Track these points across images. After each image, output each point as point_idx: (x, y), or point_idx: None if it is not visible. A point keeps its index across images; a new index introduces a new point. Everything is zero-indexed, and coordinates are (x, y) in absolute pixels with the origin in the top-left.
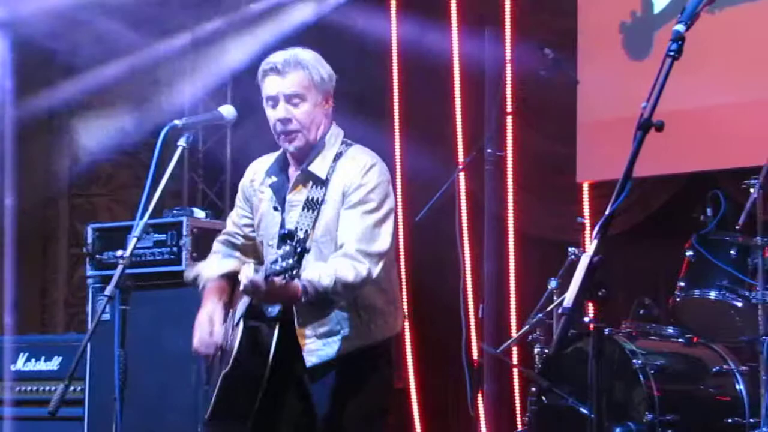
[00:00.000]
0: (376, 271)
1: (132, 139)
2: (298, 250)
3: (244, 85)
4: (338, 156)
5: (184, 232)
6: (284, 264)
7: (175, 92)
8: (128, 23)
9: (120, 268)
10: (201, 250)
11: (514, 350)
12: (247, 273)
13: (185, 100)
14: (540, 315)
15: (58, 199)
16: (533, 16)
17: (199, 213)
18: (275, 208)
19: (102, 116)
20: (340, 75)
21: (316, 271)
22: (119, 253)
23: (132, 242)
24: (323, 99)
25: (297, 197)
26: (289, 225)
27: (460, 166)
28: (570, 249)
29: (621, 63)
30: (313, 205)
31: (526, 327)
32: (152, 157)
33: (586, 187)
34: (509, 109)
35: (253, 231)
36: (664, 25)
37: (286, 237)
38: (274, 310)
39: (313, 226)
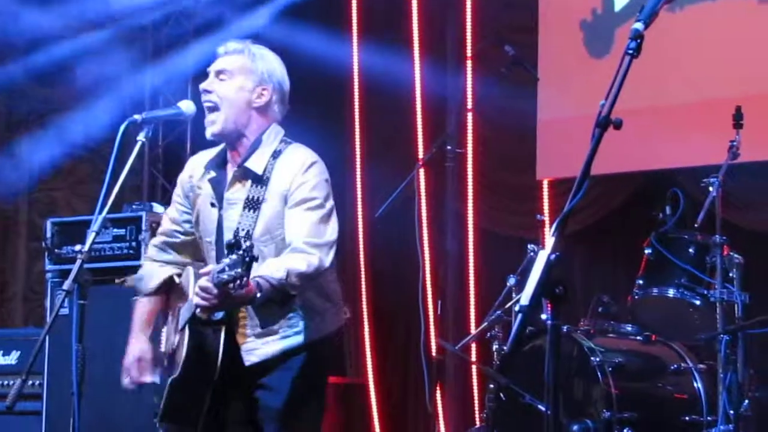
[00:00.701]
0: (328, 259)
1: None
2: (247, 259)
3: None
4: (277, 153)
5: (143, 227)
6: (232, 273)
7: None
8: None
9: (78, 262)
10: None
11: (473, 347)
12: (201, 284)
13: (146, 95)
14: (499, 312)
15: (18, 192)
16: (494, 13)
17: (159, 208)
18: (212, 205)
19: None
20: (299, 71)
21: (267, 267)
22: (78, 247)
23: (91, 237)
24: (254, 88)
25: (235, 195)
26: (229, 223)
27: (420, 163)
28: (529, 246)
29: (581, 60)
30: (253, 205)
31: (485, 324)
32: (112, 152)
33: (545, 184)
34: (470, 105)
35: (192, 227)
36: (625, 23)
37: (232, 246)
38: (218, 314)
39: (254, 226)
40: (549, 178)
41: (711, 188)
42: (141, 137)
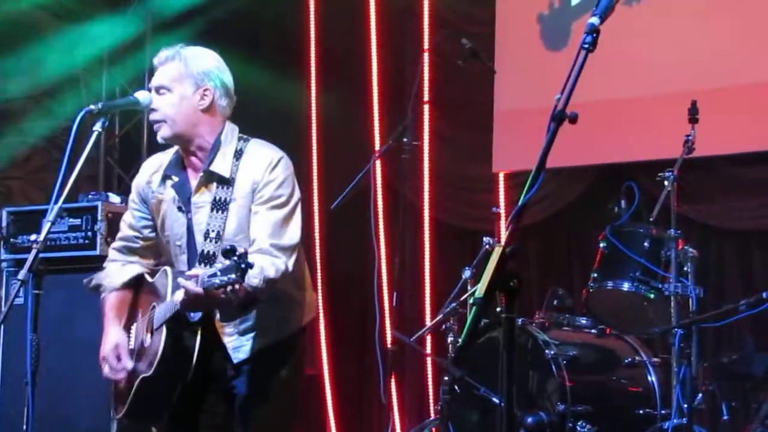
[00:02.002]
0: (291, 263)
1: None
2: (242, 266)
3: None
4: (239, 153)
5: (99, 217)
6: (225, 278)
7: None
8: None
9: (34, 252)
10: (115, 235)
11: (428, 339)
12: (189, 286)
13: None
14: (454, 304)
15: None
16: (451, 5)
17: (115, 198)
18: (179, 209)
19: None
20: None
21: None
22: (33, 237)
23: (46, 226)
24: (195, 92)
25: (202, 198)
26: (198, 226)
27: (376, 155)
28: (485, 238)
29: (538, 54)
30: (221, 206)
31: (440, 316)
32: (68, 141)
33: (501, 176)
34: (426, 98)
35: (152, 231)
36: (582, 16)
37: (228, 252)
38: (196, 315)
39: (224, 226)
40: (505, 170)
41: (666, 182)
42: (97, 127)
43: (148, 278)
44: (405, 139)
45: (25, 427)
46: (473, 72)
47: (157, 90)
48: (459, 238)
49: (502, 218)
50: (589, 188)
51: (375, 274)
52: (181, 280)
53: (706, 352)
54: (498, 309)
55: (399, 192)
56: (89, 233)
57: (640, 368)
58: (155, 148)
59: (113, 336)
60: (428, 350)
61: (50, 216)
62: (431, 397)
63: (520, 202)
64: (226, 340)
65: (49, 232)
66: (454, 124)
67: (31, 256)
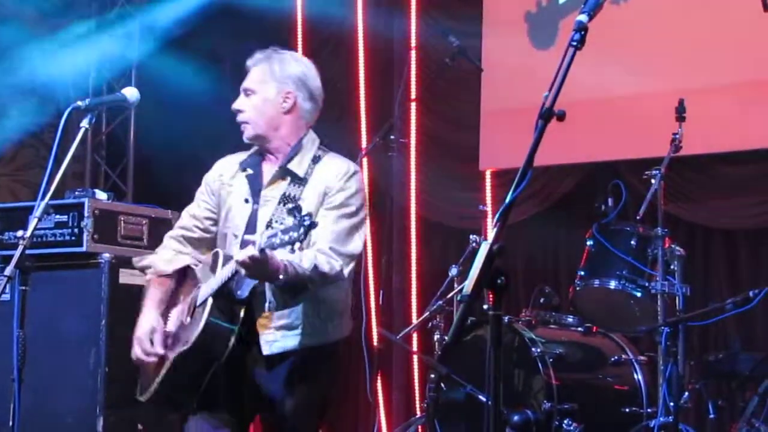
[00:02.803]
0: (347, 270)
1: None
2: (306, 223)
3: (148, 68)
4: (316, 159)
5: (86, 214)
6: (286, 237)
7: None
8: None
9: (20, 248)
10: (102, 232)
11: (415, 337)
12: (247, 251)
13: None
14: (440, 302)
15: None
16: (439, 3)
17: (101, 194)
18: (246, 201)
19: None
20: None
21: (297, 256)
22: (20, 233)
23: (33, 223)
24: (276, 95)
25: (273, 193)
26: (263, 218)
27: (363, 153)
28: (471, 236)
29: (526, 52)
30: (289, 201)
31: (426, 314)
32: (55, 138)
33: (488, 174)
34: (413, 95)
35: (214, 225)
36: (569, 14)
37: (293, 210)
38: (244, 292)
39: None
40: (492, 168)
41: (653, 180)
42: (84, 124)
43: (194, 270)
44: (392, 137)
45: (11, 423)
46: (460, 70)
47: (245, 92)
48: (446, 236)
49: (489, 216)
50: (576, 186)
51: (361, 271)
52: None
53: (692, 350)
54: (485, 307)
55: (386, 190)
56: (76, 230)
57: (627, 366)
58: (142, 145)
59: (150, 319)
60: (415, 348)
61: (37, 212)
62: (417, 395)
63: (507, 200)
64: (260, 331)
65: (35, 229)
66: (441, 122)
67: (17, 253)
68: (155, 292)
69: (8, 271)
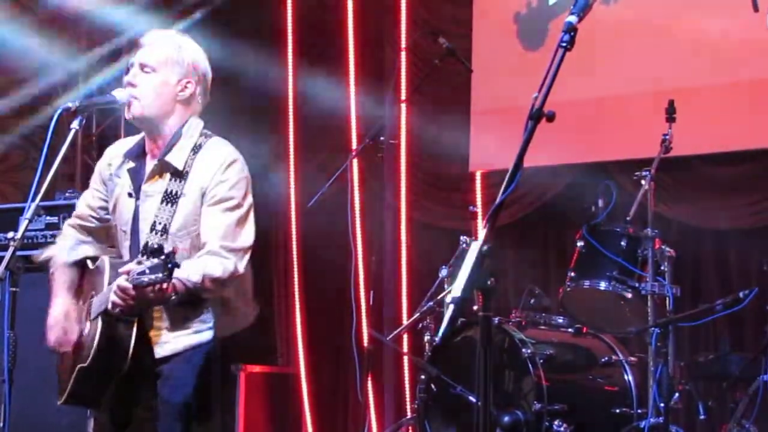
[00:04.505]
0: (242, 265)
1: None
2: (169, 266)
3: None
4: (197, 148)
5: None
6: (153, 277)
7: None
8: None
9: (11, 249)
10: None
11: (405, 338)
12: (120, 282)
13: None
14: (430, 303)
15: None
16: (429, 4)
17: None
18: (130, 195)
19: None
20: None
21: (185, 270)
22: (11, 234)
23: (23, 224)
24: (177, 82)
25: (153, 188)
26: (145, 215)
27: (353, 154)
28: (461, 237)
29: (515, 53)
30: (171, 199)
31: (417, 315)
32: (45, 139)
33: (478, 175)
34: (403, 97)
35: (108, 214)
36: (559, 15)
37: (155, 251)
38: (133, 313)
39: (171, 221)
40: (482, 169)
41: (643, 181)
42: (74, 125)
43: (90, 264)
44: (382, 138)
45: (1, 424)
46: (450, 71)
47: (142, 67)
48: (436, 237)
49: (479, 217)
50: (566, 187)
51: (352, 272)
52: (119, 280)
53: (682, 351)
54: (475, 307)
55: (376, 190)
56: None
57: (617, 367)
58: None
59: (62, 305)
60: (405, 349)
61: (27, 214)
62: (408, 395)
63: (497, 201)
64: (152, 333)
65: (26, 230)
66: (431, 123)
67: (8, 254)
68: (61, 277)
69: None
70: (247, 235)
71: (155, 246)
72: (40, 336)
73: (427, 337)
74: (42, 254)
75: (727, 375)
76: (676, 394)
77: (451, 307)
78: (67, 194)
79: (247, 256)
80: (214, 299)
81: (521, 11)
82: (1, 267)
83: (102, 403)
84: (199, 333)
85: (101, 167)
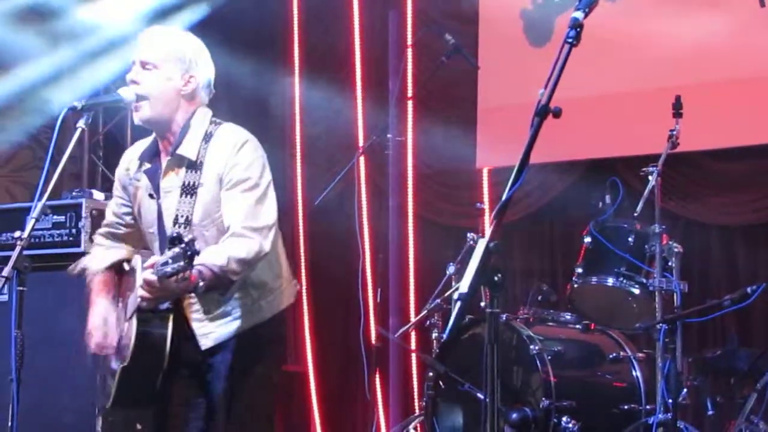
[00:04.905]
0: (267, 243)
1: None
2: (189, 253)
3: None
4: (208, 136)
5: (83, 214)
6: (175, 266)
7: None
8: None
9: (18, 249)
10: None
11: (413, 335)
12: (146, 276)
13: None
14: (438, 300)
15: None
16: (434, 1)
17: (98, 195)
18: (150, 196)
19: None
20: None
21: (209, 255)
22: (17, 234)
23: (30, 223)
24: (181, 76)
25: (170, 183)
26: (167, 211)
27: (360, 151)
28: (468, 234)
29: (521, 49)
30: (189, 190)
31: (424, 312)
32: (51, 139)
33: (485, 172)
34: (410, 94)
35: (133, 218)
36: (565, 11)
37: (174, 240)
38: (164, 303)
39: (192, 211)
40: (489, 166)
41: (650, 177)
42: (81, 124)
43: (126, 266)
44: (388, 135)
45: (9, 424)
46: (457, 68)
47: (143, 64)
48: (443, 234)
49: (486, 214)
50: (573, 184)
51: (359, 270)
52: (144, 273)
53: (690, 347)
54: (482, 304)
55: (383, 188)
56: (73, 230)
57: (625, 363)
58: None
59: (99, 311)
60: (412, 346)
61: (34, 213)
62: (416, 393)
63: (504, 198)
64: (194, 326)
65: (33, 229)
66: (437, 119)
67: (15, 253)
68: (96, 284)
69: (6, 271)
70: (269, 213)
71: (174, 235)
72: (47, 336)
73: (434, 335)
74: (76, 266)
75: (735, 371)
76: (684, 390)
77: (458, 304)
78: (73, 193)
79: (272, 234)
80: (251, 284)
81: (527, 7)
82: (8, 266)
83: (150, 404)
84: (239, 318)
85: (119, 174)
